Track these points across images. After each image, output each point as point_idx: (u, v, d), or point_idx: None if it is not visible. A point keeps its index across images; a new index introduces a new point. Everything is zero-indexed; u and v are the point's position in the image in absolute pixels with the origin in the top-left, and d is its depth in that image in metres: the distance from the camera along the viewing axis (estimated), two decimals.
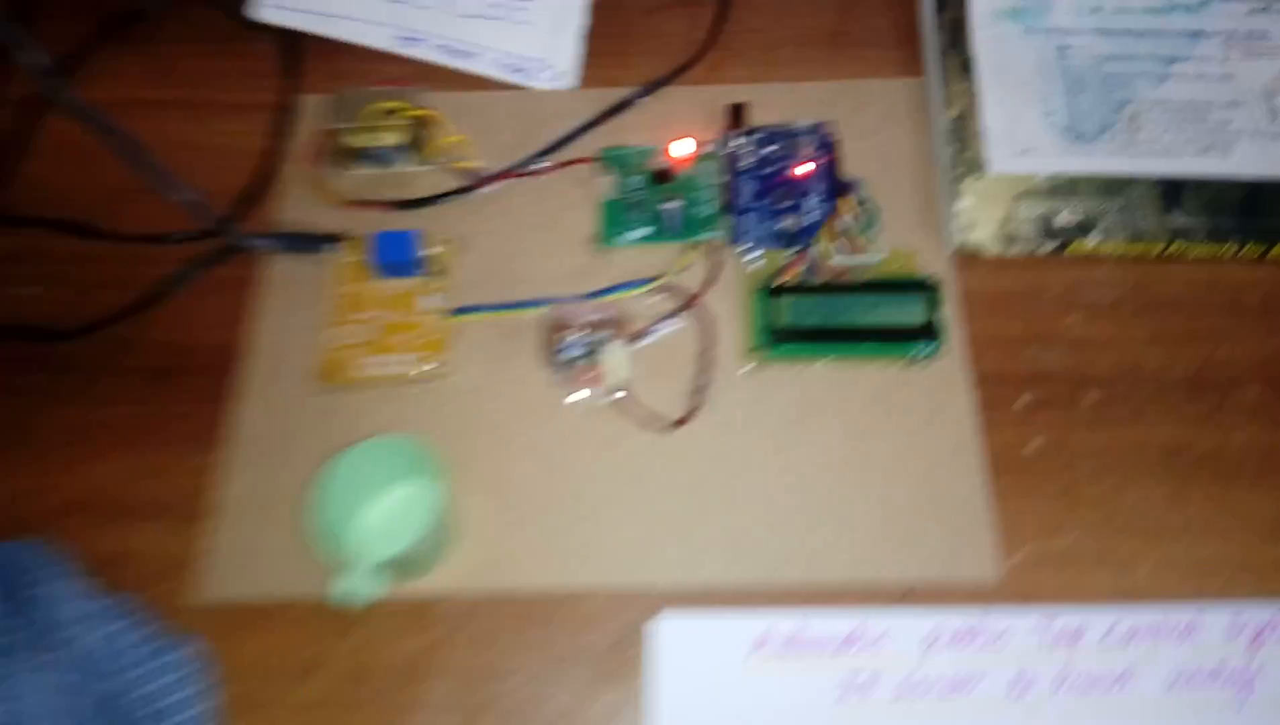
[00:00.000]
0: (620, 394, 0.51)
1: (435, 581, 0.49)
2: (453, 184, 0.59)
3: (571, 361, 0.50)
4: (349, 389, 0.54)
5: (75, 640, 0.43)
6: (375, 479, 0.49)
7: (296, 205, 0.60)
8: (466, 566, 0.50)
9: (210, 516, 0.51)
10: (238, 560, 0.50)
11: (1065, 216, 0.55)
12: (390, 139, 0.56)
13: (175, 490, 0.51)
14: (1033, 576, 0.49)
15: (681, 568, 0.50)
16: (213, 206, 0.56)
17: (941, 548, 0.50)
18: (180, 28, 0.67)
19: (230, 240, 0.56)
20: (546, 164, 0.59)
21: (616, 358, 0.50)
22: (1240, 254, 0.55)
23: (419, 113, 0.56)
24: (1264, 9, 0.61)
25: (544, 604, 0.49)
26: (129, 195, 0.59)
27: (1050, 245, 0.55)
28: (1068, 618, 0.48)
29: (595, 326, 0.50)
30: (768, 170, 0.59)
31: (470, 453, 0.52)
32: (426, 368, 0.54)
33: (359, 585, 0.45)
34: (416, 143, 0.58)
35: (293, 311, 0.56)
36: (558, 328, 0.50)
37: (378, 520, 0.50)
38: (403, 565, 0.46)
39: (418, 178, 0.60)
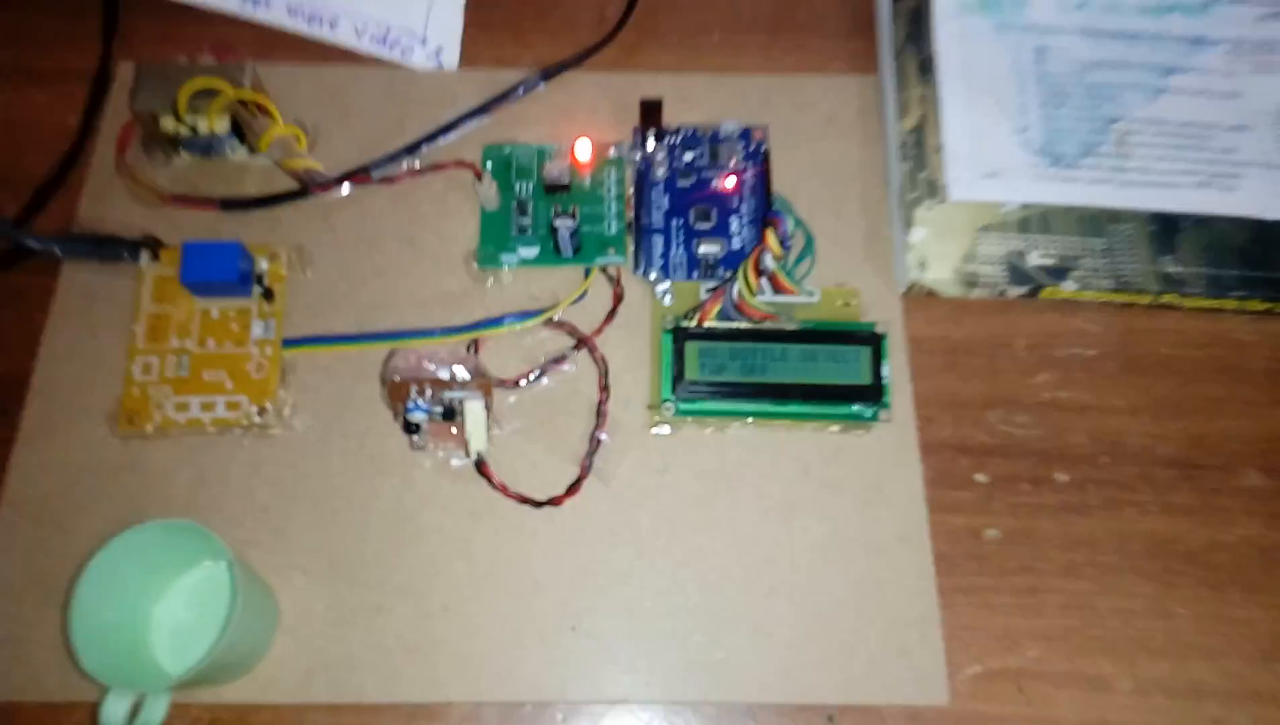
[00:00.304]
0: (478, 468, 0.41)
1: (251, 685, 0.40)
2: (294, 183, 0.48)
3: (420, 424, 0.39)
4: (153, 438, 0.43)
5: None
6: (161, 570, 0.39)
7: (106, 199, 0.48)
8: (292, 668, 0.40)
9: None
10: (8, 652, 0.40)
11: (1038, 256, 0.46)
12: (209, 125, 0.45)
13: None
14: (985, 700, 0.41)
15: (560, 679, 0.40)
16: (9, 196, 0.46)
17: (877, 661, 0.41)
18: None
19: (15, 242, 0.45)
20: (415, 164, 0.49)
21: (477, 422, 0.39)
22: (1243, 308, 0.47)
23: (244, 95, 0.45)
24: (1276, 14, 0.52)
25: (388, 718, 0.40)
26: None
27: (1019, 289, 0.46)
28: None
29: (448, 382, 0.39)
30: (685, 183, 0.49)
31: (301, 523, 0.42)
32: (252, 415, 0.43)
33: (143, 708, 0.35)
34: (242, 131, 0.47)
35: (92, 335, 0.45)
36: (403, 379, 0.39)
37: (161, 625, 0.40)
38: (203, 674, 0.36)
39: (255, 170, 0.49)
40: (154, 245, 0.45)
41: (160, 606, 0.40)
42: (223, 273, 0.43)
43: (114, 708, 0.34)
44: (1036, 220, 0.47)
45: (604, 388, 0.44)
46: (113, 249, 0.45)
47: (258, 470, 0.43)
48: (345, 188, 0.48)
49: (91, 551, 0.36)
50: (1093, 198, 0.47)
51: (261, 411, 0.43)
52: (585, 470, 0.43)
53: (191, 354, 0.44)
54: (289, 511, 0.42)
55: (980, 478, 0.44)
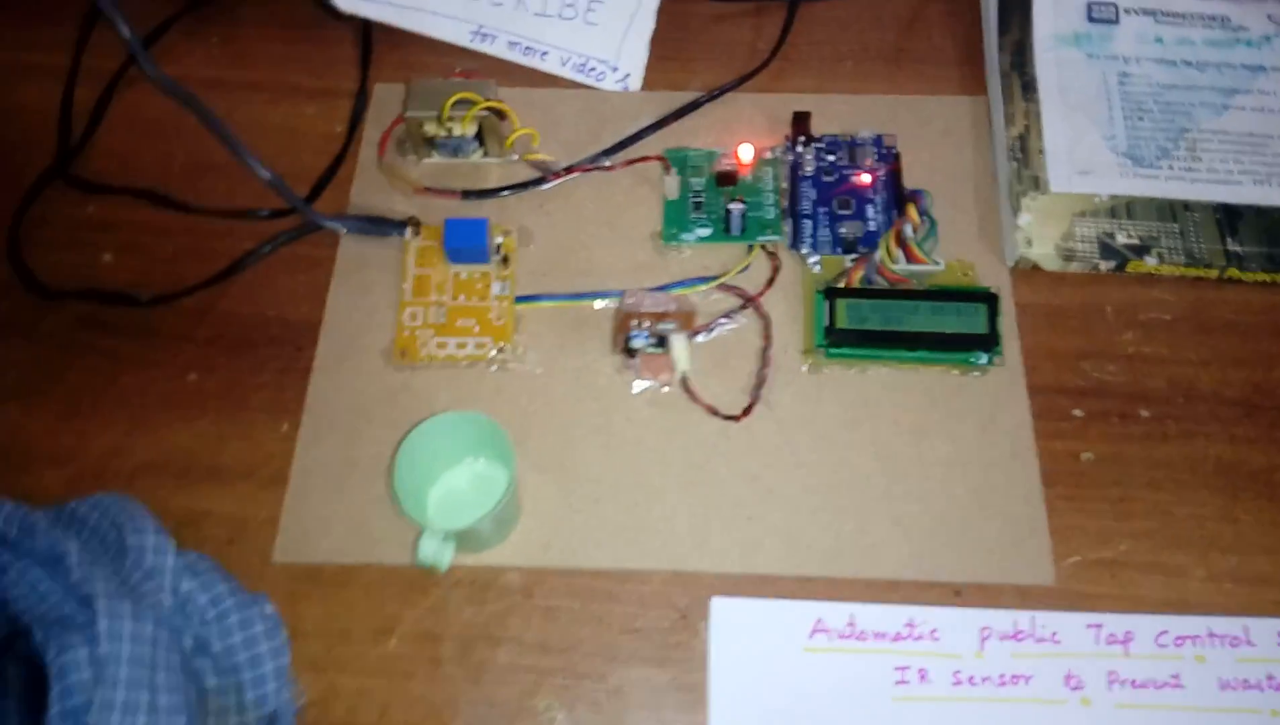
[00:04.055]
0: (682, 384, 0.55)
1: (504, 553, 0.53)
2: (520, 176, 0.63)
3: (639, 349, 0.53)
4: (419, 368, 0.58)
5: (171, 589, 0.46)
6: (449, 451, 0.53)
7: (370, 189, 0.64)
8: (533, 541, 0.53)
9: (286, 483, 0.55)
10: (312, 525, 0.54)
11: (1123, 237, 0.59)
12: (462, 129, 0.60)
13: (253, 456, 0.55)
14: (1084, 582, 0.52)
15: (738, 555, 0.53)
16: (291, 186, 0.61)
17: (994, 550, 0.53)
18: (257, 11, 0.72)
19: (309, 219, 0.60)
20: (611, 162, 0.63)
21: (681, 348, 0.53)
22: None
23: (491, 105, 0.60)
24: None
25: (605, 581, 0.52)
26: (201, 170, 0.65)
27: (1108, 264, 0.59)
28: (1118, 622, 0.51)
29: (662, 316, 0.53)
30: (829, 178, 0.63)
31: (535, 435, 0.56)
32: (494, 352, 0.57)
33: (442, 549, 0.49)
34: (487, 134, 0.62)
35: (367, 291, 0.60)
36: (629, 314, 0.54)
37: (453, 490, 0.54)
38: (474, 537, 0.50)
39: (486, 169, 0.64)
40: (416, 224, 0.61)
41: (440, 482, 0.54)
42: (474, 241, 0.58)
43: (429, 542, 0.48)
44: (1122, 208, 0.60)
45: (767, 337, 0.58)
46: (384, 226, 0.61)
47: (499, 393, 0.57)
48: (558, 180, 0.63)
49: (396, 439, 0.50)
50: (1168, 191, 0.60)
51: (501, 350, 0.57)
52: (755, 399, 0.56)
53: (447, 306, 0.59)
54: (525, 426, 0.56)
55: (1077, 413, 0.56)
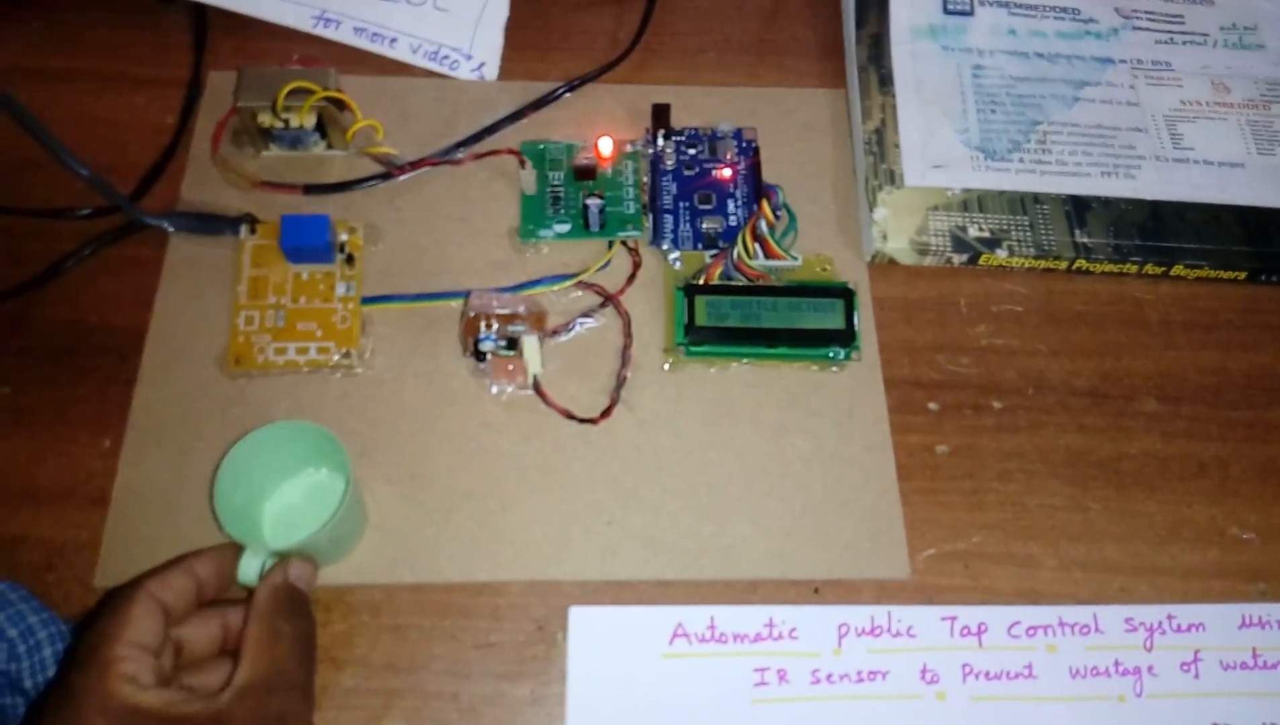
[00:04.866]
0: (535, 388, 0.54)
1: (348, 570, 0.51)
2: (368, 170, 0.60)
3: (488, 353, 0.52)
4: (255, 376, 0.55)
5: None
6: (283, 463, 0.50)
7: (203, 185, 0.60)
8: (381, 556, 0.51)
9: (108, 503, 0.51)
10: (136, 548, 0.50)
11: (975, 230, 0.60)
12: (299, 120, 0.57)
13: (72, 475, 0.52)
14: (939, 575, 0.53)
15: (597, 562, 0.52)
16: (116, 182, 0.57)
17: (852, 546, 0.53)
18: None
19: (134, 218, 0.57)
20: (465, 155, 0.61)
21: (532, 350, 0.52)
22: (1142, 272, 0.61)
23: (329, 94, 0.57)
24: (1169, 40, 0.68)
25: (458, 595, 0.51)
26: (19, 167, 0.60)
27: (961, 257, 0.60)
28: (972, 614, 0.52)
29: (512, 318, 0.52)
30: (690, 172, 0.62)
31: (383, 443, 0.54)
32: (338, 357, 0.55)
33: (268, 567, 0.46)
34: (329, 126, 0.59)
35: (199, 294, 0.57)
36: (476, 317, 0.52)
37: (290, 506, 0.51)
38: (312, 552, 0.48)
39: (331, 162, 0.61)
40: (252, 221, 0.58)
41: (269, 498, 0.51)
42: (315, 240, 0.55)
43: (250, 562, 0.45)
44: (974, 201, 0.61)
45: (628, 335, 0.57)
46: (216, 224, 0.57)
47: (344, 401, 0.55)
48: (408, 174, 0.60)
49: (223, 453, 0.47)
50: (1019, 184, 0.62)
51: (346, 355, 0.55)
52: (615, 400, 0.55)
53: (287, 309, 0.56)
54: (373, 434, 0.54)
55: (932, 406, 0.57)
